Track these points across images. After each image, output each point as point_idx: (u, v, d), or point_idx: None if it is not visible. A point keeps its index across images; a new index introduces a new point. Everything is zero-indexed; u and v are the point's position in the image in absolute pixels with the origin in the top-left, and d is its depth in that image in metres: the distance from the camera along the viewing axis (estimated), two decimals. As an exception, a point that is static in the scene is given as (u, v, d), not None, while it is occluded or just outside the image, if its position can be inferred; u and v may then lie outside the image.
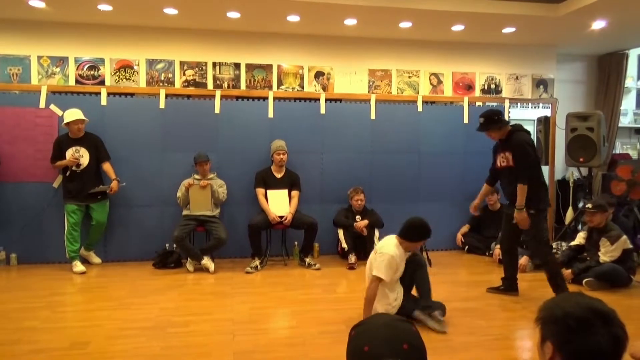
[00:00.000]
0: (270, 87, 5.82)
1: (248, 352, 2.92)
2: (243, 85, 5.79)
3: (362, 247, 5.26)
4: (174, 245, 5.01)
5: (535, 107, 7.04)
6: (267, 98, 5.58)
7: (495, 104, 6.35)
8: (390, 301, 3.32)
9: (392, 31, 5.75)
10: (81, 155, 4.87)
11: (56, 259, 5.04)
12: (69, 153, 4.83)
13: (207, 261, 4.86)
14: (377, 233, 5.34)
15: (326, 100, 5.74)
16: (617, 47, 6.66)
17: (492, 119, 3.93)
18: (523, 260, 4.79)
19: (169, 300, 3.97)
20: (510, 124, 4.02)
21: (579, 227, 5.65)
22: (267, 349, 3.00)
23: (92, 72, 5.50)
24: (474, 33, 5.84)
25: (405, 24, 5.47)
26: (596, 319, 1.09)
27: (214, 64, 5.73)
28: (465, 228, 5.89)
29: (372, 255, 3.40)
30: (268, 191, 5.19)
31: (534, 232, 3.88)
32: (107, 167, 4.99)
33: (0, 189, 4.98)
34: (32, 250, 5.05)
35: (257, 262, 4.98)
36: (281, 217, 5.09)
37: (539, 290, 4.06)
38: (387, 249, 3.28)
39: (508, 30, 5.69)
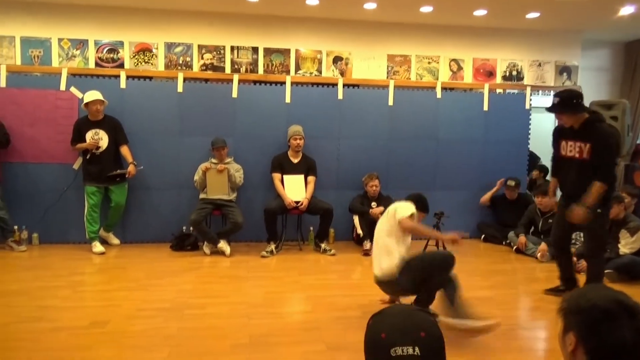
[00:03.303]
0: (288, 72, 5.79)
1: (263, 336, 2.96)
2: (261, 70, 5.77)
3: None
4: (191, 228, 5.07)
5: (557, 95, 6.89)
6: (284, 83, 5.54)
7: (516, 91, 6.23)
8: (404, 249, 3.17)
9: (412, 16, 5.65)
10: (100, 138, 4.91)
11: (76, 240, 5.14)
12: (89, 136, 4.88)
13: (223, 244, 4.91)
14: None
15: (344, 85, 5.68)
16: (645, 33, 6.46)
17: (568, 103, 3.43)
18: (543, 246, 4.86)
19: (186, 283, 4.03)
20: (588, 111, 3.51)
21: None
22: (282, 332, 3.03)
23: (111, 55, 5.53)
24: (497, 18, 5.71)
25: (426, 9, 5.37)
26: (622, 312, 1.08)
27: (232, 48, 5.72)
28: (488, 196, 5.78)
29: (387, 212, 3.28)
30: (284, 176, 5.20)
31: (595, 231, 3.54)
32: (124, 150, 5.03)
33: (22, 169, 5.07)
34: (53, 231, 5.14)
35: (272, 246, 5.01)
36: (297, 202, 5.10)
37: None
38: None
39: (532, 15, 5.55)
